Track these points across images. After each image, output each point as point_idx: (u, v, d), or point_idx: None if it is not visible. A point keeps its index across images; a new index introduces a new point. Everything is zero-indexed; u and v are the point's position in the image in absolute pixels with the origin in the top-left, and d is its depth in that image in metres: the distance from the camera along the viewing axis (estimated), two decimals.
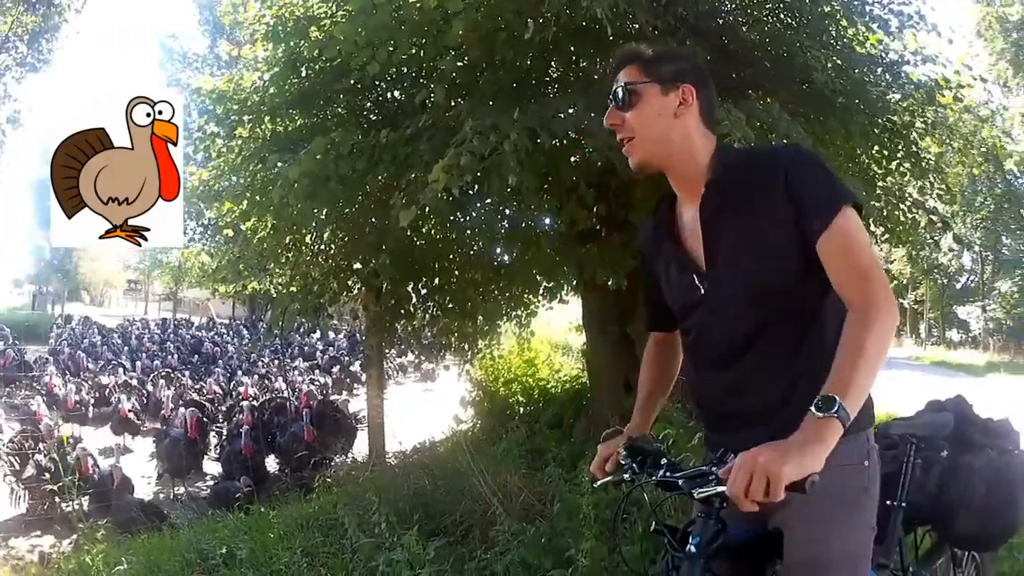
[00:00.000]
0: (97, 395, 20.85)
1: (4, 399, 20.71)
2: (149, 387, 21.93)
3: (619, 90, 2.87)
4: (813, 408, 2.34)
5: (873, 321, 2.46)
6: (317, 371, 27.66)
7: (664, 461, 2.92)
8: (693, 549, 2.72)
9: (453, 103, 8.07)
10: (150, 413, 19.29)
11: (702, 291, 2.92)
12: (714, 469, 2.55)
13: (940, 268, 53.00)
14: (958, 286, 58.23)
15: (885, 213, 9.28)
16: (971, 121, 12.15)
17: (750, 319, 2.81)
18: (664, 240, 3.05)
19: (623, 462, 3.06)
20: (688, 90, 2.83)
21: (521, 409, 13.60)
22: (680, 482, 2.74)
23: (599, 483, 3.27)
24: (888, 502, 3.48)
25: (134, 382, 22.79)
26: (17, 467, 13.86)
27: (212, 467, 16.86)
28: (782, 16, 9.25)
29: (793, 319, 2.77)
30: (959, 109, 10.27)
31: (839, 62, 8.70)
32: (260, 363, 29.20)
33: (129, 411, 17.06)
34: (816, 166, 2.75)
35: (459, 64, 8.07)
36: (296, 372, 26.94)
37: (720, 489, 2.47)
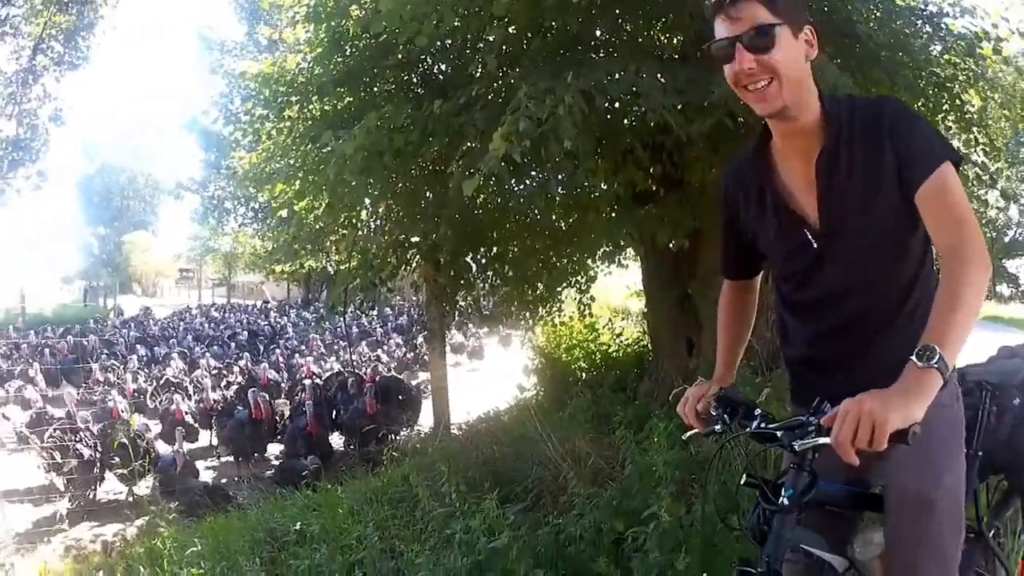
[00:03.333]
0: (155, 384, 20.97)
1: (65, 390, 20.75)
2: (206, 380, 21.89)
3: (753, 32, 2.71)
4: (914, 357, 2.31)
5: (968, 269, 2.44)
6: (378, 348, 27.63)
7: (757, 412, 2.85)
8: (786, 501, 2.70)
9: (503, 72, 8.06)
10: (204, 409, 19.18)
11: (814, 245, 2.88)
12: (812, 419, 2.52)
13: (988, 222, 52.36)
14: (1007, 239, 57.44)
15: None
16: (1011, 73, 12.01)
17: (863, 270, 2.81)
18: (765, 190, 3.00)
19: (714, 413, 3.00)
20: (811, 31, 2.79)
21: (584, 375, 13.53)
22: (778, 433, 2.70)
23: (687, 435, 3.23)
24: (965, 450, 3.30)
25: (196, 374, 22.76)
26: (97, 454, 13.98)
27: (274, 448, 16.91)
28: None
29: (900, 270, 2.79)
30: (999, 61, 10.15)
31: (879, 14, 8.63)
32: (320, 341, 29.26)
33: (186, 413, 17.01)
34: (918, 119, 2.74)
35: (507, 32, 8.07)
36: (356, 349, 26.97)
37: (823, 440, 2.42)
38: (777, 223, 2.97)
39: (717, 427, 2.99)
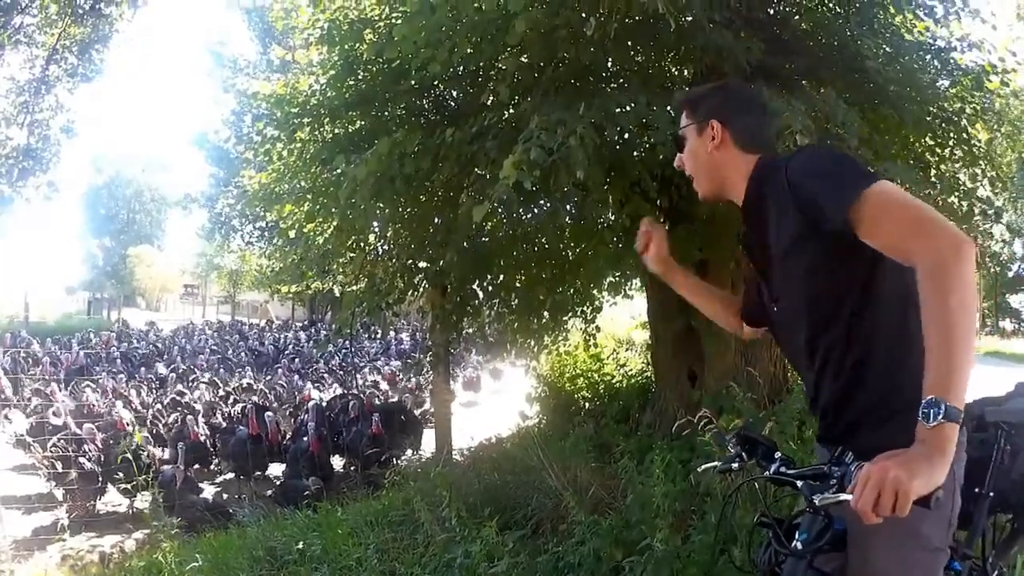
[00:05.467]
0: (164, 402, 20.90)
1: (69, 398, 20.72)
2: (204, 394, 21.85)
3: (677, 136, 3.16)
4: (921, 418, 2.28)
5: (945, 278, 2.36)
6: (377, 373, 27.62)
7: (778, 456, 2.89)
8: (799, 546, 2.73)
9: (514, 101, 8.12)
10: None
11: (775, 308, 3.05)
12: (834, 470, 2.53)
13: (992, 256, 52.23)
14: (1010, 274, 57.38)
15: (940, 202, 9.22)
16: (1018, 107, 12.05)
17: (807, 326, 2.87)
18: (750, 260, 3.19)
19: (732, 450, 3.08)
20: (714, 125, 3.01)
21: (587, 404, 13.59)
22: (798, 483, 2.71)
23: (703, 468, 3.35)
24: (976, 489, 3.34)
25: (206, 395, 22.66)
26: (99, 467, 14.01)
27: (275, 469, 16.87)
28: (830, 4, 9.24)
29: (839, 315, 2.78)
30: (1007, 95, 10.19)
31: (888, 50, 8.70)
32: (322, 364, 29.36)
33: (200, 435, 16.92)
34: (816, 168, 2.78)
35: (520, 62, 8.13)
36: (359, 372, 27.00)
37: (844, 497, 2.36)
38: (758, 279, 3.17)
39: (735, 465, 3.06)
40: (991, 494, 3.40)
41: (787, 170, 2.77)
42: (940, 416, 2.24)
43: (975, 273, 2.46)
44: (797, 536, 2.75)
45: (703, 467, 3.33)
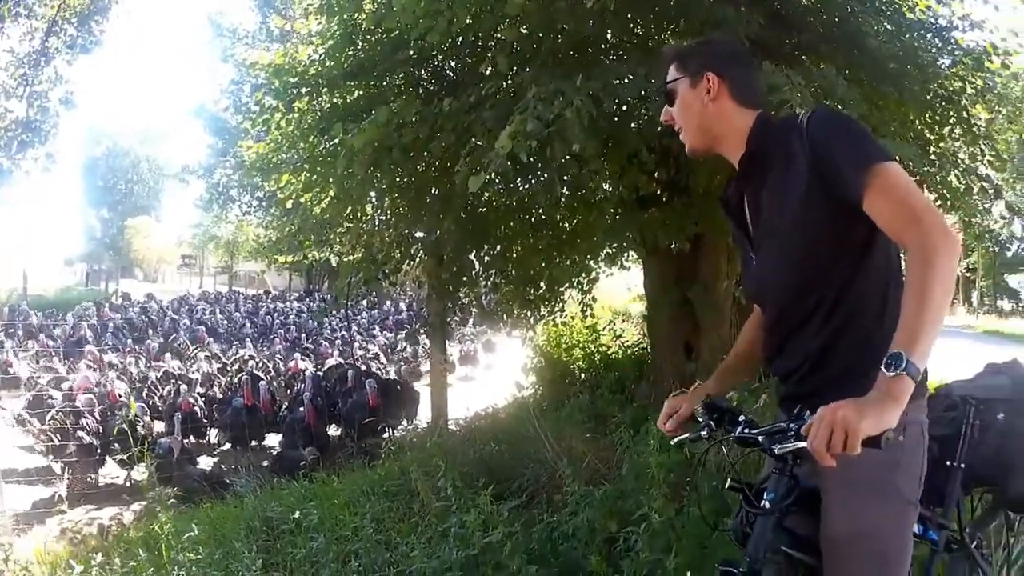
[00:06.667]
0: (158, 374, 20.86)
1: (64, 370, 20.71)
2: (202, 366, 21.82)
3: (664, 88, 3.15)
4: (883, 367, 2.37)
5: (932, 261, 2.45)
6: (375, 344, 27.58)
7: (741, 418, 2.97)
8: (767, 505, 2.79)
9: (513, 71, 8.11)
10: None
11: (754, 260, 3.07)
12: (792, 425, 2.60)
13: (991, 235, 52.16)
14: (1009, 254, 57.41)
15: (939, 179, 9.23)
16: (1019, 88, 12.04)
17: (791, 284, 2.90)
18: (730, 217, 3.20)
19: (700, 419, 3.15)
20: (711, 77, 3.00)
21: (583, 375, 13.69)
22: (760, 438, 2.79)
23: (675, 440, 3.36)
24: (948, 463, 3.53)
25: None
26: (97, 440, 14.04)
27: (272, 440, 16.88)
28: None
29: (830, 279, 2.81)
30: (1008, 75, 10.18)
31: (889, 27, 8.66)
32: (322, 334, 29.42)
33: (194, 405, 16.85)
34: (838, 128, 2.80)
35: (519, 32, 8.12)
36: (355, 343, 27.01)
37: (800, 444, 2.49)
38: (739, 242, 3.20)
39: (703, 433, 3.13)
40: (963, 466, 3.54)
41: (808, 127, 2.79)
42: (901, 368, 2.34)
43: (958, 263, 2.56)
44: (765, 496, 2.81)
45: (674, 440, 3.36)
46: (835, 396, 2.39)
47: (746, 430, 2.89)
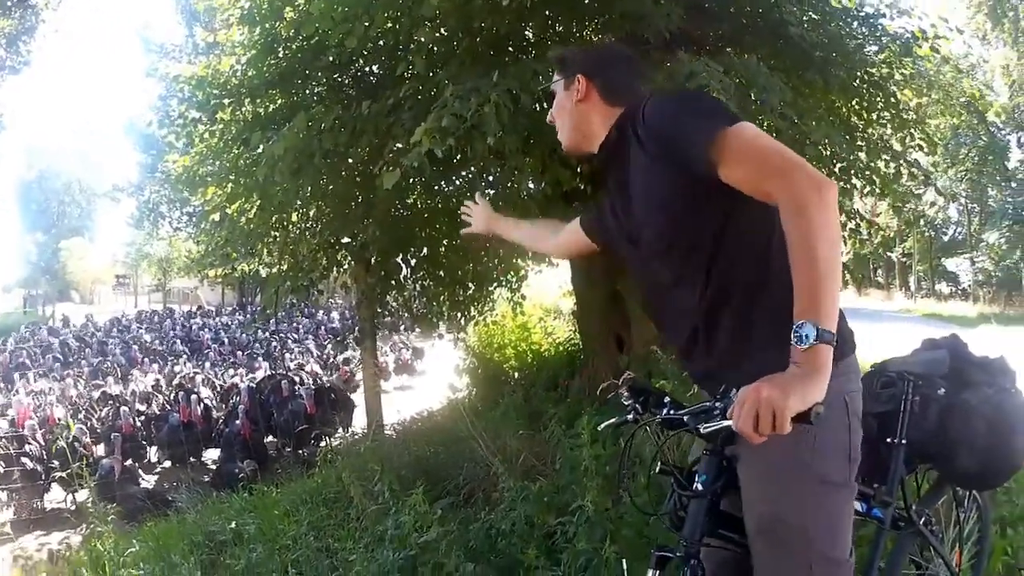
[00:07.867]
0: (99, 395, 20.71)
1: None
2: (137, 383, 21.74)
3: (547, 90, 3.35)
4: (794, 342, 2.34)
5: (805, 211, 2.42)
6: (308, 353, 27.65)
7: (667, 400, 2.96)
8: (700, 487, 2.78)
9: (432, 73, 8.10)
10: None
11: (633, 247, 3.07)
12: (718, 404, 2.56)
13: (926, 220, 52.65)
14: (945, 238, 58.03)
15: (868, 165, 9.29)
16: (950, 73, 12.18)
17: (670, 267, 2.90)
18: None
19: (626, 403, 3.12)
20: (580, 80, 3.10)
21: (516, 374, 13.72)
22: (685, 419, 2.75)
23: (603, 425, 3.38)
24: (888, 439, 3.51)
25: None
26: (40, 466, 13.96)
27: (212, 454, 16.85)
28: None
29: (705, 256, 2.78)
30: (938, 61, 10.30)
31: (815, 16, 8.77)
32: (255, 347, 29.58)
33: (133, 427, 16.77)
34: (671, 111, 2.81)
35: (436, 34, 8.13)
36: (288, 353, 27.13)
37: (726, 423, 2.44)
38: (617, 219, 3.20)
39: (630, 416, 3.11)
40: (904, 442, 3.51)
41: (643, 112, 2.81)
42: (813, 339, 2.31)
43: (837, 211, 2.48)
44: (697, 479, 2.80)
45: (602, 424, 3.39)
46: (751, 368, 2.40)
47: (671, 411, 2.88)
